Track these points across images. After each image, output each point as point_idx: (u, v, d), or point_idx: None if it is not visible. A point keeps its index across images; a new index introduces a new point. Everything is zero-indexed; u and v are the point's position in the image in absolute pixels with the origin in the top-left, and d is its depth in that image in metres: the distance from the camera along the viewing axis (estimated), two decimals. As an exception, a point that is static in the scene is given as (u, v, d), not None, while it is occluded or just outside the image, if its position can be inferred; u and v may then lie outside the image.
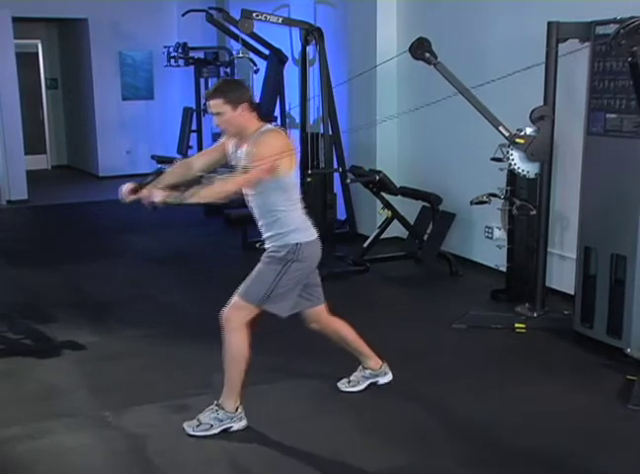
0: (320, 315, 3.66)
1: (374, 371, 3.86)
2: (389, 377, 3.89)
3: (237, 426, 3.44)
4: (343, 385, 3.86)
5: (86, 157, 12.05)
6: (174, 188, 3.18)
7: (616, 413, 3.65)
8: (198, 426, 3.42)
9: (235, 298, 3.40)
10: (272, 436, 3.45)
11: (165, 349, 4.56)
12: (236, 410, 3.44)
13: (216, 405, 3.45)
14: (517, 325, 4.78)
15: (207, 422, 3.42)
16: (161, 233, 7.78)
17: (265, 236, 3.43)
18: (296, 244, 3.33)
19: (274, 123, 3.48)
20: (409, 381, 4.00)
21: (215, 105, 3.28)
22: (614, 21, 4.04)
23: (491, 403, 3.79)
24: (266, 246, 3.43)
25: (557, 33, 4.59)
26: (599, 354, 4.34)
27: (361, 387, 3.85)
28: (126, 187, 3.31)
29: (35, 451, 3.35)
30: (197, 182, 3.14)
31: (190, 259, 6.74)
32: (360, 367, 3.86)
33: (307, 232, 3.41)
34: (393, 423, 3.59)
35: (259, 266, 3.41)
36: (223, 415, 3.42)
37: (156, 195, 3.13)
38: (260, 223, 3.44)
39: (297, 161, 3.38)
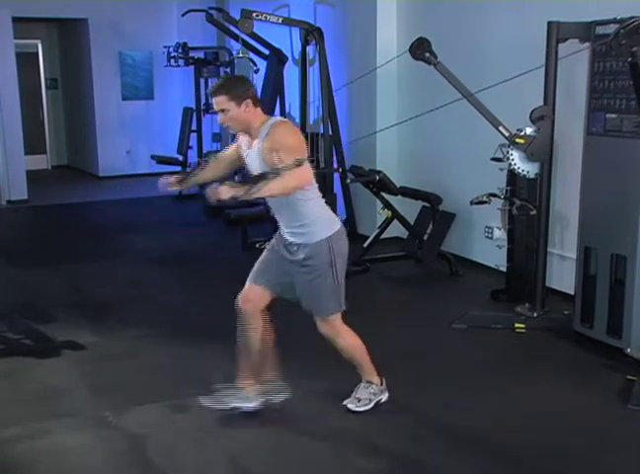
0: (261, 298, 3.53)
1: (380, 387, 3.75)
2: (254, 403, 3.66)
3: (384, 397, 3.71)
4: (352, 405, 3.67)
5: (86, 157, 12.05)
6: (249, 182, 3.18)
7: (616, 413, 3.65)
8: (359, 402, 3.62)
9: (319, 321, 3.48)
10: (271, 437, 3.45)
11: (165, 349, 4.56)
12: (381, 383, 3.71)
13: (367, 382, 3.67)
14: (517, 325, 4.79)
15: (367, 397, 3.64)
16: (161, 233, 7.79)
17: (287, 229, 3.41)
18: (328, 239, 3.34)
19: (276, 118, 3.45)
20: (409, 381, 4.00)
21: (220, 102, 3.27)
22: (614, 21, 4.04)
23: (491, 403, 3.79)
24: (289, 239, 3.39)
25: (557, 33, 4.59)
26: (599, 354, 4.34)
27: (371, 406, 3.67)
28: (171, 178, 3.45)
29: (35, 451, 3.35)
30: (263, 177, 3.12)
31: (190, 259, 6.74)
32: (366, 383, 3.73)
33: (331, 221, 3.42)
34: (393, 423, 3.59)
35: (313, 280, 3.38)
36: (377, 388, 3.67)
37: (225, 191, 3.10)
38: (279, 216, 3.42)
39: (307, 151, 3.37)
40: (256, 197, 3.14)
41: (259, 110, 3.34)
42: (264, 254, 3.58)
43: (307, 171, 3.22)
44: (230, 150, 3.63)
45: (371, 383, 3.67)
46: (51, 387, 4.01)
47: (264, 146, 3.27)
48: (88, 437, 3.48)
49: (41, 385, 4.04)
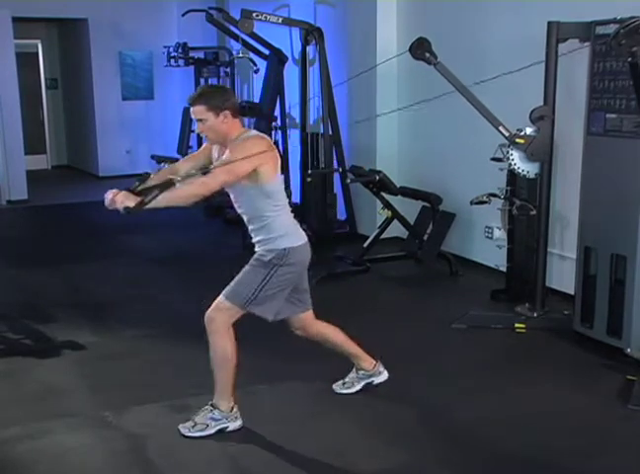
0: (305, 321, 3.62)
1: (368, 372, 3.83)
2: (385, 376, 3.85)
3: (233, 425, 3.43)
4: (337, 387, 3.84)
5: (86, 157, 12.05)
6: (147, 191, 3.11)
7: (616, 413, 3.65)
8: (193, 426, 3.40)
9: (219, 299, 3.38)
10: (271, 437, 3.45)
11: (165, 349, 4.56)
12: (231, 410, 3.43)
13: (211, 405, 3.43)
14: (517, 325, 4.78)
15: (203, 422, 3.40)
16: (161, 233, 7.78)
17: (254, 240, 3.41)
18: (284, 249, 3.31)
19: (254, 131, 3.41)
20: (409, 381, 4.01)
21: (198, 111, 3.24)
22: (614, 21, 4.04)
23: (491, 403, 3.79)
24: (255, 249, 3.41)
25: (557, 33, 4.59)
26: (599, 354, 4.34)
27: (356, 388, 3.82)
28: (111, 193, 3.16)
29: (35, 451, 3.35)
30: (171, 185, 3.06)
31: (190, 259, 6.74)
32: (354, 369, 3.84)
33: (295, 236, 3.38)
34: (393, 423, 3.59)
35: (246, 268, 3.39)
36: (219, 414, 3.41)
37: (128, 199, 3.06)
38: (250, 227, 3.41)
39: (279, 167, 3.32)
40: (150, 207, 3.06)
41: (237, 121, 3.30)
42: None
43: (203, 185, 3.14)
44: (197, 155, 3.58)
45: (216, 408, 3.42)
46: (51, 387, 4.01)
47: (225, 157, 3.22)
48: (88, 437, 3.48)
49: (41, 385, 4.04)
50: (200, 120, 3.27)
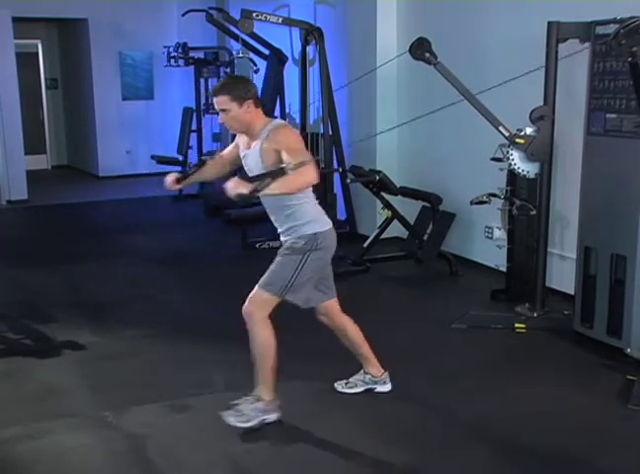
0: (331, 309, 3.67)
1: (374, 378, 3.82)
2: (388, 387, 3.83)
3: (272, 417, 3.47)
4: (339, 385, 3.84)
5: (86, 157, 12.05)
6: (259, 178, 3.19)
7: (616, 413, 3.65)
8: (240, 416, 3.42)
9: (254, 292, 3.39)
10: (271, 436, 3.45)
11: (165, 349, 4.56)
12: (273, 401, 3.48)
13: (254, 397, 3.46)
14: (517, 325, 4.78)
15: (248, 413, 3.43)
16: (161, 233, 7.79)
17: (280, 230, 3.44)
18: (314, 234, 3.36)
19: (279, 120, 3.49)
20: (409, 381, 4.00)
21: (221, 101, 3.29)
22: (614, 21, 4.04)
23: (491, 403, 3.79)
24: (282, 239, 3.44)
25: (557, 33, 4.59)
26: (599, 354, 4.34)
27: (357, 390, 3.82)
28: (171, 177, 3.50)
29: (35, 451, 3.35)
30: (282, 173, 3.12)
31: (190, 259, 6.74)
32: (362, 371, 3.84)
33: (323, 221, 3.43)
34: (393, 423, 3.59)
35: (278, 258, 3.42)
36: (263, 405, 3.44)
37: (242, 186, 3.10)
38: (274, 218, 3.45)
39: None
40: (263, 194, 3.14)
41: (260, 111, 3.35)
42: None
43: (312, 171, 3.21)
44: (229, 150, 3.64)
45: (260, 400, 3.45)
46: (51, 387, 4.01)
47: (264, 147, 3.28)
48: (88, 437, 3.48)
49: (41, 385, 4.04)
50: (223, 111, 3.30)
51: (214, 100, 3.33)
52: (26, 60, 11.55)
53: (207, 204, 8.43)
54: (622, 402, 3.73)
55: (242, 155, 3.46)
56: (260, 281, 3.40)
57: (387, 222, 6.28)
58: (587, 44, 4.45)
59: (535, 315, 4.96)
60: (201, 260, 6.69)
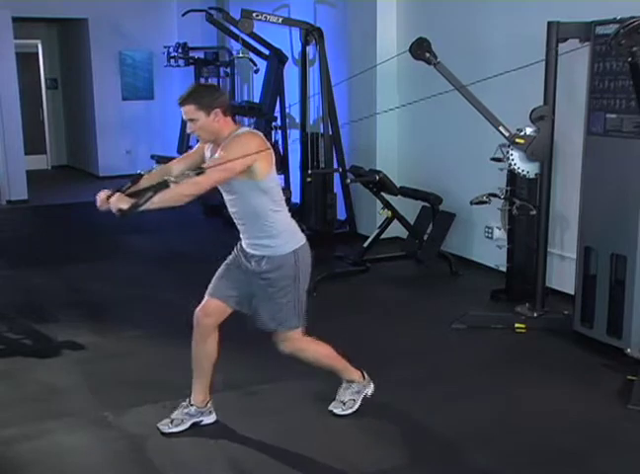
0: (222, 313, 3.47)
1: (200, 408, 3.53)
2: (213, 418, 3.55)
3: (370, 390, 3.66)
4: (162, 424, 3.48)
5: (86, 157, 12.05)
6: (141, 193, 3.07)
7: (616, 413, 3.65)
8: (344, 404, 3.61)
9: (279, 338, 3.38)
10: (271, 436, 3.45)
11: (165, 349, 4.56)
12: (363, 377, 3.66)
13: (347, 382, 3.62)
14: (517, 325, 4.78)
15: (352, 398, 3.62)
16: (161, 233, 7.79)
17: (248, 241, 3.35)
18: (293, 252, 3.26)
19: (246, 128, 3.36)
20: (409, 381, 4.01)
21: (188, 111, 3.18)
22: (614, 21, 4.04)
23: (491, 403, 3.79)
24: (248, 250, 3.34)
25: (557, 33, 4.59)
26: (599, 354, 4.34)
27: (181, 428, 3.48)
28: (103, 193, 3.14)
29: (34, 451, 3.35)
30: (164, 186, 3.00)
31: (190, 259, 6.74)
32: (187, 402, 3.54)
33: (297, 236, 3.33)
34: (393, 423, 3.59)
35: (270, 291, 3.28)
36: (358, 386, 3.62)
37: (121, 202, 3.03)
38: (241, 228, 3.36)
39: (273, 163, 3.25)
40: (144, 209, 3.02)
41: (229, 119, 3.25)
42: (222, 267, 3.50)
43: (197, 184, 3.08)
44: (190, 155, 3.50)
45: (352, 382, 3.64)
46: (51, 387, 4.01)
47: (219, 155, 3.17)
48: (88, 437, 3.48)
49: (41, 385, 4.04)
50: (190, 120, 3.21)
51: (182, 110, 3.22)
52: (26, 60, 11.56)
53: (207, 204, 8.43)
54: (622, 402, 3.73)
55: (207, 161, 3.32)
56: (274, 326, 3.33)
57: (387, 222, 6.28)
58: (586, 43, 4.45)
59: (535, 315, 4.96)
60: (201, 260, 6.65)
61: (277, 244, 3.26)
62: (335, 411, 3.60)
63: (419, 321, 5.02)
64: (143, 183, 3.24)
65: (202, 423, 3.52)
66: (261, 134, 3.33)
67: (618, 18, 3.99)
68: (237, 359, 4.02)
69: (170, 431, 3.46)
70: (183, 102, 3.21)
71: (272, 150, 3.27)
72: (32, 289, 5.89)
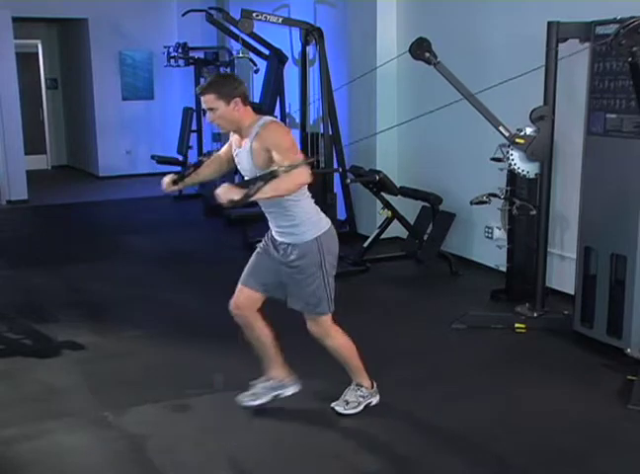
0: (256, 300, 3.51)
1: (279, 381, 3.67)
2: (294, 389, 3.69)
3: (375, 400, 3.68)
4: (245, 397, 3.65)
5: (86, 157, 12.05)
6: (249, 183, 3.13)
7: (616, 413, 3.65)
8: (347, 404, 3.61)
9: (309, 320, 3.47)
10: (271, 436, 3.45)
11: (165, 349, 4.56)
12: (372, 386, 3.69)
13: (356, 385, 3.65)
14: (517, 325, 4.78)
15: (354, 400, 3.62)
16: (161, 233, 7.79)
17: (275, 229, 3.40)
18: (316, 239, 3.32)
19: (269, 117, 3.42)
20: (409, 381, 4.01)
21: (208, 100, 3.23)
22: (614, 21, 4.04)
23: (491, 403, 3.79)
24: (277, 238, 3.39)
25: (557, 33, 4.59)
26: (599, 354, 4.34)
27: (265, 400, 3.65)
28: (168, 178, 3.46)
29: (34, 451, 3.35)
30: (275, 176, 3.06)
31: (190, 259, 6.74)
32: (265, 377, 3.69)
33: (322, 222, 3.38)
34: (392, 423, 3.59)
35: (300, 280, 3.37)
36: (365, 391, 3.65)
37: (232, 192, 3.06)
38: (269, 216, 3.40)
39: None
40: (255, 199, 3.09)
41: (249, 108, 3.30)
42: (253, 256, 3.56)
43: (305, 173, 3.16)
44: (225, 149, 3.60)
45: (361, 386, 3.66)
46: (51, 387, 4.01)
47: (254, 146, 3.23)
48: (88, 437, 3.48)
49: (41, 385, 4.04)
50: (210, 109, 3.25)
51: (202, 99, 3.27)
52: (26, 60, 11.56)
53: (207, 204, 8.43)
54: (622, 402, 3.73)
55: (235, 154, 3.41)
56: (304, 310, 3.44)
57: (387, 222, 6.29)
58: (587, 44, 4.45)
59: (535, 315, 4.96)
60: (202, 260, 6.69)
61: (299, 231, 3.33)
62: (337, 408, 3.61)
63: (419, 321, 5.02)
64: (204, 170, 3.54)
65: (284, 395, 3.69)
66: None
67: (618, 18, 3.99)
68: (237, 359, 4.01)
69: (253, 403, 3.64)
70: (203, 91, 3.26)
71: None
72: (32, 289, 5.89)
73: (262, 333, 3.56)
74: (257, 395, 3.67)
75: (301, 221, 3.32)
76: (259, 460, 3.27)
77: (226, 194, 3.05)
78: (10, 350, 4.58)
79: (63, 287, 5.95)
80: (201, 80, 9.59)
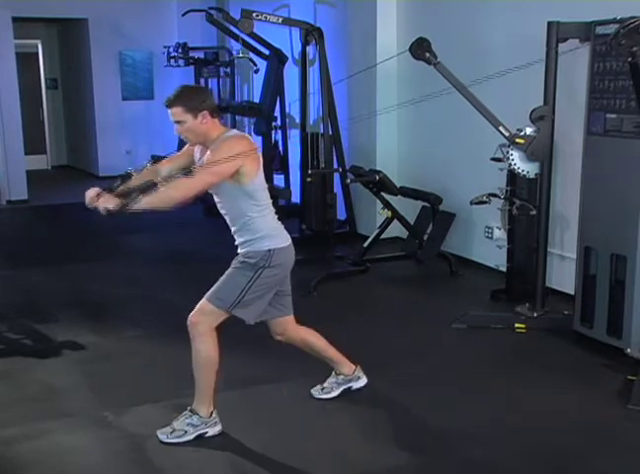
0: (287, 326, 3.59)
1: (347, 377, 3.79)
2: (363, 381, 3.82)
3: (212, 431, 3.39)
4: (316, 392, 3.80)
5: (86, 157, 12.05)
6: (129, 193, 3.09)
7: (616, 413, 3.65)
8: (172, 432, 3.36)
9: (203, 303, 3.35)
10: (271, 437, 3.45)
11: (165, 349, 4.56)
12: (210, 415, 3.40)
13: (190, 411, 3.39)
14: (517, 325, 4.78)
15: (182, 428, 3.36)
16: (161, 233, 7.78)
17: (237, 241, 3.38)
18: (268, 250, 3.27)
19: (235, 131, 3.40)
20: (409, 381, 4.01)
21: (175, 113, 3.20)
22: (614, 21, 4.04)
23: (491, 403, 3.79)
24: (238, 251, 3.39)
25: (557, 33, 4.59)
26: (599, 354, 4.34)
27: (335, 394, 3.77)
28: (92, 191, 3.23)
29: (34, 451, 3.35)
30: (152, 186, 3.02)
31: (190, 259, 6.74)
32: (333, 373, 3.80)
33: (279, 238, 3.34)
34: (392, 423, 3.58)
35: (230, 270, 3.36)
36: (197, 420, 3.37)
37: (110, 201, 3.05)
38: (233, 229, 3.38)
39: (261, 166, 3.26)
40: (134, 210, 3.04)
41: (216, 121, 3.26)
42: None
43: (185, 188, 3.09)
44: (179, 157, 3.52)
45: (195, 414, 3.38)
46: (51, 387, 4.01)
47: (208, 158, 3.18)
48: (88, 437, 3.48)
49: (41, 385, 4.04)
50: (178, 122, 3.22)
51: (169, 112, 3.23)
52: (26, 60, 11.56)
53: (207, 204, 8.42)
54: (622, 402, 3.73)
55: (197, 164, 3.33)
56: (209, 293, 3.35)
57: (387, 222, 6.28)
58: (586, 43, 4.45)
59: (535, 315, 4.96)
60: (201, 260, 6.68)
61: (257, 243, 3.29)
62: (160, 436, 3.38)
63: (419, 321, 5.02)
64: (133, 182, 3.28)
65: (353, 388, 3.79)
66: (249, 137, 3.35)
67: (618, 18, 3.99)
68: (237, 359, 4.02)
69: (325, 396, 3.75)
70: (170, 104, 3.22)
71: (259, 153, 3.27)
72: (32, 289, 5.89)
73: (307, 343, 3.67)
74: (326, 389, 3.78)
75: (261, 236, 3.28)
76: (259, 460, 3.27)
77: (103, 203, 3.07)
78: (10, 350, 4.58)
79: (63, 287, 5.95)
80: (202, 80, 9.60)
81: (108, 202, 3.05)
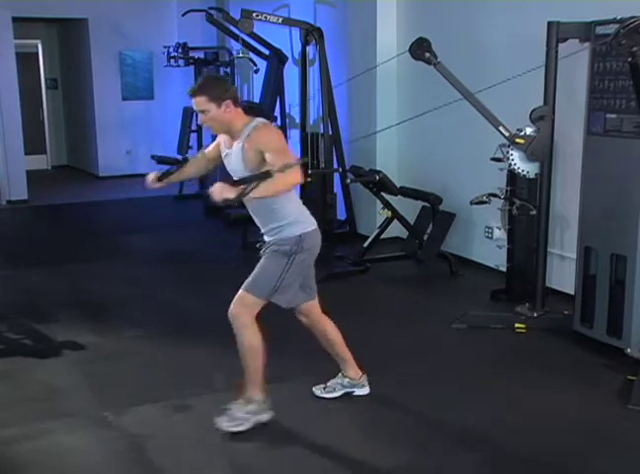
0: (312, 310, 3.63)
1: (353, 381, 3.78)
2: (366, 391, 3.80)
3: (264, 417, 3.47)
4: (318, 390, 3.80)
5: (86, 157, 12.05)
6: (244, 182, 3.18)
7: (616, 413, 3.65)
8: (232, 420, 3.44)
9: (241, 293, 3.39)
10: (271, 437, 3.45)
11: (165, 349, 4.56)
12: (264, 401, 3.49)
13: (248, 399, 3.46)
14: (517, 325, 4.78)
15: (241, 416, 3.43)
16: (161, 233, 7.79)
17: (264, 230, 3.43)
18: (299, 235, 3.34)
19: (260, 119, 3.46)
20: (408, 381, 4.01)
21: (199, 102, 3.26)
22: (614, 21, 4.04)
23: (490, 403, 3.79)
24: (266, 239, 3.43)
25: (557, 33, 4.59)
26: (599, 354, 4.34)
27: (336, 394, 3.78)
28: (153, 175, 3.53)
29: (34, 451, 3.35)
30: (267, 175, 3.11)
31: (190, 259, 6.74)
32: (340, 375, 3.80)
33: (307, 222, 3.41)
34: (393, 423, 3.59)
35: (264, 260, 3.41)
36: (255, 408, 3.45)
37: (228, 191, 3.11)
38: (257, 219, 3.43)
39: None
40: (249, 197, 3.15)
41: (239, 110, 3.33)
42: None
43: (297, 172, 3.19)
44: (210, 148, 3.62)
45: (252, 401, 3.46)
46: (51, 387, 4.01)
47: (245, 147, 3.26)
48: (88, 437, 3.48)
49: (41, 385, 4.04)
50: (202, 112, 3.28)
51: (192, 101, 3.30)
52: (26, 60, 11.56)
53: (207, 204, 8.43)
54: (622, 402, 3.73)
55: (224, 155, 3.43)
56: (246, 284, 3.39)
57: (387, 222, 6.29)
58: (587, 44, 4.45)
59: (535, 315, 4.96)
60: (202, 260, 6.69)
61: (286, 230, 3.34)
62: (223, 425, 3.43)
63: (419, 321, 5.02)
64: (189, 168, 3.66)
65: (354, 394, 3.77)
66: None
67: (618, 18, 3.99)
68: (237, 359, 4.01)
69: (326, 395, 3.75)
70: (194, 94, 3.28)
71: None
72: (32, 289, 5.89)
73: (326, 333, 3.67)
74: (329, 388, 3.78)
75: (288, 222, 3.34)
76: (259, 460, 3.27)
77: (221, 192, 3.10)
78: (10, 350, 4.58)
79: (63, 287, 5.95)
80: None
81: (226, 192, 3.10)
